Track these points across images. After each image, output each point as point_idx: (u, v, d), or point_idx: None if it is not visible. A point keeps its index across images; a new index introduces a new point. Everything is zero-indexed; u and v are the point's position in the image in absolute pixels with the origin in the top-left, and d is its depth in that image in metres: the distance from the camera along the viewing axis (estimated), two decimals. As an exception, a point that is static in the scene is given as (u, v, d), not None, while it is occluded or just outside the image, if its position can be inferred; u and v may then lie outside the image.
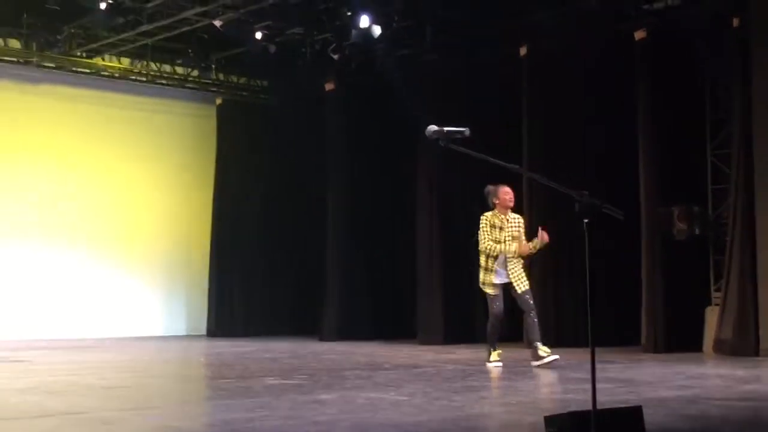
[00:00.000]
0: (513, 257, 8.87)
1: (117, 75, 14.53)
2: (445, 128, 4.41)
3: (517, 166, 4.47)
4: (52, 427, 5.05)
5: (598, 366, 3.83)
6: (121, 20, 12.35)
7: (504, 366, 8.69)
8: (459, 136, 4.40)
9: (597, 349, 3.86)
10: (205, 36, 13.56)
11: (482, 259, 8.91)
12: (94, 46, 13.48)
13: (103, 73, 14.38)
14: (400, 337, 12.86)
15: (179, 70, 14.87)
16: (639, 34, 10.76)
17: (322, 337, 13.37)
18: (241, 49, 13.40)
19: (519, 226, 8.99)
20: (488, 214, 8.93)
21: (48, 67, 13.91)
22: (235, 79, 15.47)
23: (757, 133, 9.79)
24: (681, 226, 10.47)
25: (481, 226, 8.90)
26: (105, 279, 14.27)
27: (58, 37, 13.18)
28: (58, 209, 13.97)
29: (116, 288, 14.36)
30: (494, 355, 8.86)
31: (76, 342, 12.69)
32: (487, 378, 7.85)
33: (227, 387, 7.32)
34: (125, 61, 14.39)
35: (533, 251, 9.01)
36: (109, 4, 11.62)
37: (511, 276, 8.85)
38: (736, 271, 9.82)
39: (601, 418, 3.76)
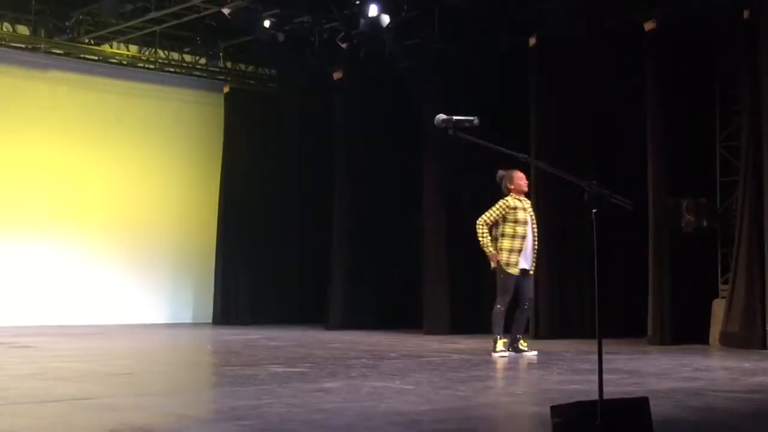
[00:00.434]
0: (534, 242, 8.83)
1: (125, 62, 14.53)
2: (454, 117, 4.39)
3: (526, 155, 4.44)
4: (59, 412, 5.06)
5: (604, 357, 3.82)
6: (129, 7, 12.36)
7: (509, 356, 8.68)
8: (467, 124, 4.39)
9: (603, 341, 3.84)
10: (213, 24, 13.55)
11: (506, 242, 8.72)
12: (102, 33, 13.48)
13: (111, 60, 14.38)
14: (405, 326, 12.87)
15: (187, 57, 14.86)
16: (649, 25, 10.71)
17: (328, 326, 13.38)
18: (249, 37, 13.38)
19: (532, 212, 8.97)
20: (508, 198, 8.80)
21: (56, 54, 13.92)
22: (243, 67, 15.46)
23: (767, 125, 9.74)
24: (689, 218, 10.44)
25: (498, 204, 8.76)
26: (111, 266, 14.30)
27: (67, 23, 13.17)
28: (65, 195, 14.01)
29: (123, 275, 14.39)
30: (500, 344, 8.74)
31: (82, 329, 12.73)
32: (493, 368, 7.85)
33: (233, 374, 7.34)
34: (133, 49, 14.39)
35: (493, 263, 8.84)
36: (117, -9, 11.63)
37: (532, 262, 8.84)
38: (744, 264, 9.80)
39: (607, 408, 3.75)
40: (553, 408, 3.72)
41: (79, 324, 13.42)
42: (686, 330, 10.31)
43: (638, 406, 4.00)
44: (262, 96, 15.37)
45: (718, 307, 10.28)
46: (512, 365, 8.12)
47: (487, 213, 8.77)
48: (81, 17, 13.27)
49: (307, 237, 15.13)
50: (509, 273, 8.73)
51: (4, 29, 13.26)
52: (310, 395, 5.72)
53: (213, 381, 7.42)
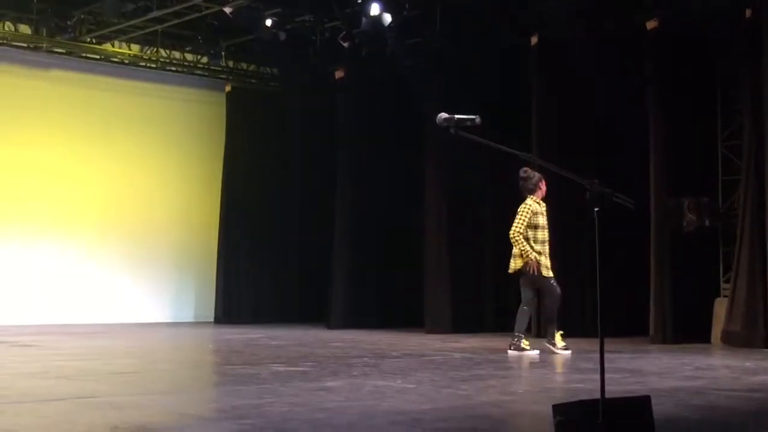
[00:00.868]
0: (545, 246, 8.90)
1: (126, 61, 14.53)
2: (456, 116, 4.39)
3: (528, 155, 4.45)
4: (61, 410, 5.06)
5: (606, 356, 3.82)
6: (131, 6, 12.36)
7: (514, 355, 8.69)
8: (469, 123, 4.39)
9: (605, 339, 3.85)
10: (215, 23, 13.55)
11: (527, 245, 8.77)
12: (103, 32, 13.49)
13: (112, 59, 14.38)
14: (407, 325, 12.87)
15: (189, 56, 14.86)
16: (650, 24, 10.71)
17: (330, 325, 13.38)
18: (251, 36, 13.39)
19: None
20: (530, 201, 8.88)
21: (58, 53, 13.93)
22: (244, 66, 15.46)
23: (769, 124, 9.75)
24: (691, 217, 10.44)
25: (522, 210, 8.83)
26: (113, 265, 14.30)
27: (68, 22, 13.18)
28: (68, 194, 14.01)
29: (125, 274, 14.40)
30: (558, 339, 8.87)
31: (84, 327, 12.73)
32: (495, 367, 7.85)
33: (235, 373, 7.34)
34: (135, 48, 14.39)
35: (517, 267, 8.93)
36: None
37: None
38: (746, 263, 9.80)
39: (609, 407, 3.75)
40: (555, 407, 3.72)
41: (81, 323, 13.42)
42: (688, 329, 10.31)
43: (640, 405, 4.00)
44: (264, 95, 15.38)
45: (720, 306, 10.28)
46: (514, 364, 8.13)
47: (517, 223, 8.81)
48: (82, 16, 13.28)
49: (309, 236, 15.13)
50: (546, 276, 8.87)
51: (6, 28, 13.27)
52: (311, 394, 5.72)
53: (215, 380, 7.43)
